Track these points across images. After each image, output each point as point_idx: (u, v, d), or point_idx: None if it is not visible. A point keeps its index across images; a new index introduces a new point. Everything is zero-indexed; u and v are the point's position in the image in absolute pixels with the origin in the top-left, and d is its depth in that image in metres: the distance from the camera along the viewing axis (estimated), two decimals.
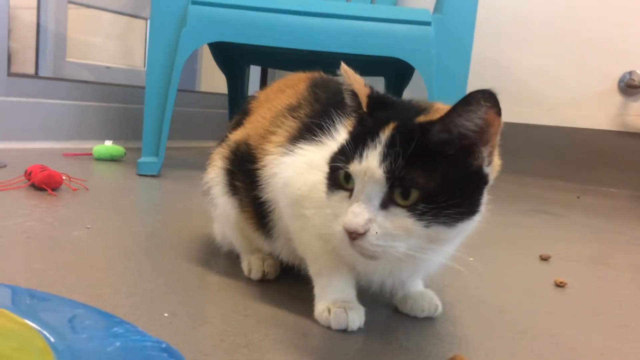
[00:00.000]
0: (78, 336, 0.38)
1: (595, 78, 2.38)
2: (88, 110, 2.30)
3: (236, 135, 0.84)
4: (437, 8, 1.77)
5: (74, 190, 1.35)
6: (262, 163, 0.75)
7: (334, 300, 0.69)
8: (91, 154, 1.96)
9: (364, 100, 0.60)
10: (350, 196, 0.56)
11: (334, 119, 0.70)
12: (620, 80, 2.34)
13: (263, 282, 0.84)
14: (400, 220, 0.54)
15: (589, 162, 2.41)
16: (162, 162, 1.73)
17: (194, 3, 1.67)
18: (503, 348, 0.69)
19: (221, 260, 0.93)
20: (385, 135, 0.55)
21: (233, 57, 2.29)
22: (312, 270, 0.72)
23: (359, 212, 0.54)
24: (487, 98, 0.51)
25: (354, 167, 0.55)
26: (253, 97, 0.91)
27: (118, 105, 2.39)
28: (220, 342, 0.63)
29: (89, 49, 2.65)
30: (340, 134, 0.69)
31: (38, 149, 2.05)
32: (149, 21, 1.76)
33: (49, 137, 2.15)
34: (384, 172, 0.53)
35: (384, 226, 0.54)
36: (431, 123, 0.54)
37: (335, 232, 0.58)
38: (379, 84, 2.37)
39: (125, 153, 1.98)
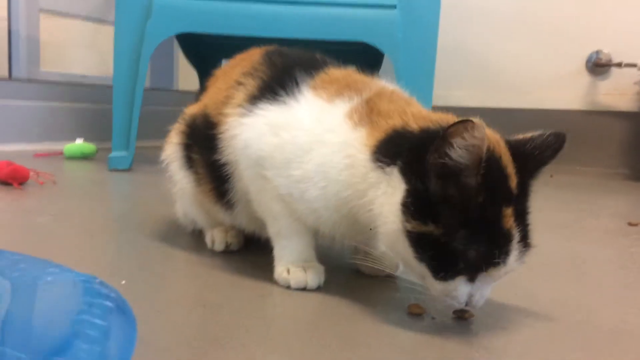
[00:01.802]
0: (10, 274, 0.38)
1: (563, 59, 2.41)
2: (60, 112, 2.27)
3: (192, 109, 0.83)
4: None
5: (41, 183, 1.34)
6: (221, 128, 0.74)
7: (293, 261, 0.69)
8: (62, 153, 1.94)
9: (478, 164, 0.55)
10: (470, 278, 0.57)
11: (298, 80, 0.69)
12: (588, 60, 2.37)
13: (227, 253, 0.83)
14: None
15: None
16: (135, 158, 1.71)
17: None
18: None
19: (186, 237, 0.93)
20: (514, 231, 0.57)
21: (203, 51, 2.28)
22: (272, 231, 0.72)
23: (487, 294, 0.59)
24: None
25: (497, 270, 0.57)
26: (211, 75, 0.91)
27: (90, 106, 2.36)
28: (176, 302, 0.63)
29: (64, 59, 2.61)
30: (305, 97, 0.68)
31: (9, 151, 2.02)
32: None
33: (20, 139, 2.13)
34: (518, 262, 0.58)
35: None
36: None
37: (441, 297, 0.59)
38: None
39: (97, 151, 1.96)
